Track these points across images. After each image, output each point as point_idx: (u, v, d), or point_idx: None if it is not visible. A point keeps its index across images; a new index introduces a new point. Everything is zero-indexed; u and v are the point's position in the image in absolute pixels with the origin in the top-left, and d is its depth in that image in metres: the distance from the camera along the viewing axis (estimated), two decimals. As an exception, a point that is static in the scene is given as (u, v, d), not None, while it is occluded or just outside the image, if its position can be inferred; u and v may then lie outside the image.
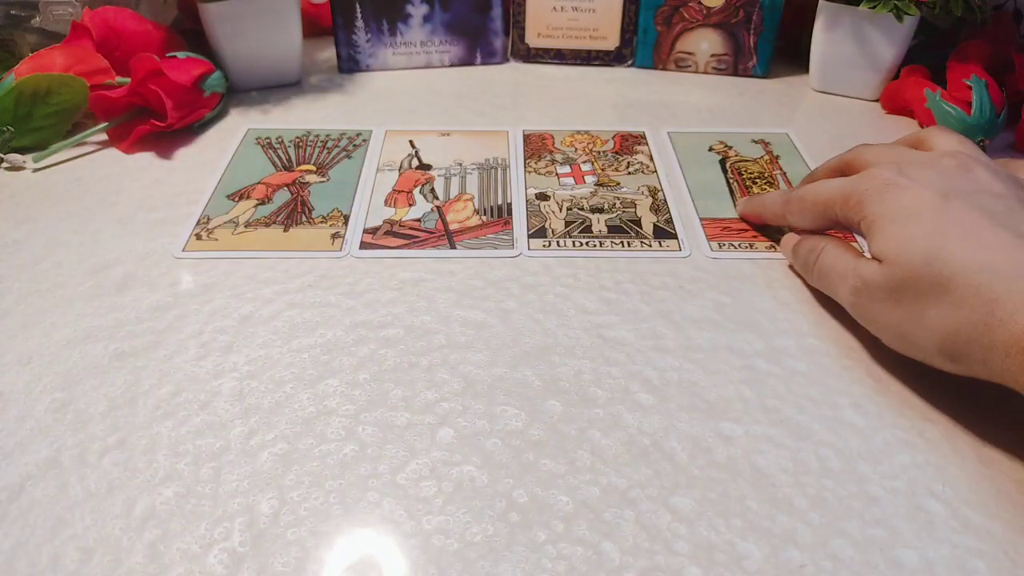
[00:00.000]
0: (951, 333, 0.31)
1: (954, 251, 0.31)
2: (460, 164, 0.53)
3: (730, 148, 0.55)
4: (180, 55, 0.56)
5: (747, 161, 0.54)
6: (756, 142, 0.56)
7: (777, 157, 0.54)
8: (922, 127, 0.58)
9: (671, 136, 0.57)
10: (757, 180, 0.52)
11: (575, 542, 0.28)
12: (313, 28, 0.71)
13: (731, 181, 0.52)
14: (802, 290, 0.42)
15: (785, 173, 0.53)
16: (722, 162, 0.54)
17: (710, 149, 0.55)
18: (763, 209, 0.45)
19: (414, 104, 0.62)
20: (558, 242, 0.45)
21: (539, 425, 0.33)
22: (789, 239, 0.43)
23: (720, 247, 0.45)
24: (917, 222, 0.33)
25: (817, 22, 0.62)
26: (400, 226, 0.47)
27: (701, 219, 0.48)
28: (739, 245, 0.45)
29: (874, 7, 0.58)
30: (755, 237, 0.46)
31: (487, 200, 0.49)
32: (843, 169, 0.41)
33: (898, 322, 0.33)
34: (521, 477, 0.31)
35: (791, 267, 0.43)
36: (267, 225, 0.46)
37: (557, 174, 0.52)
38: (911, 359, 0.35)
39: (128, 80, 0.54)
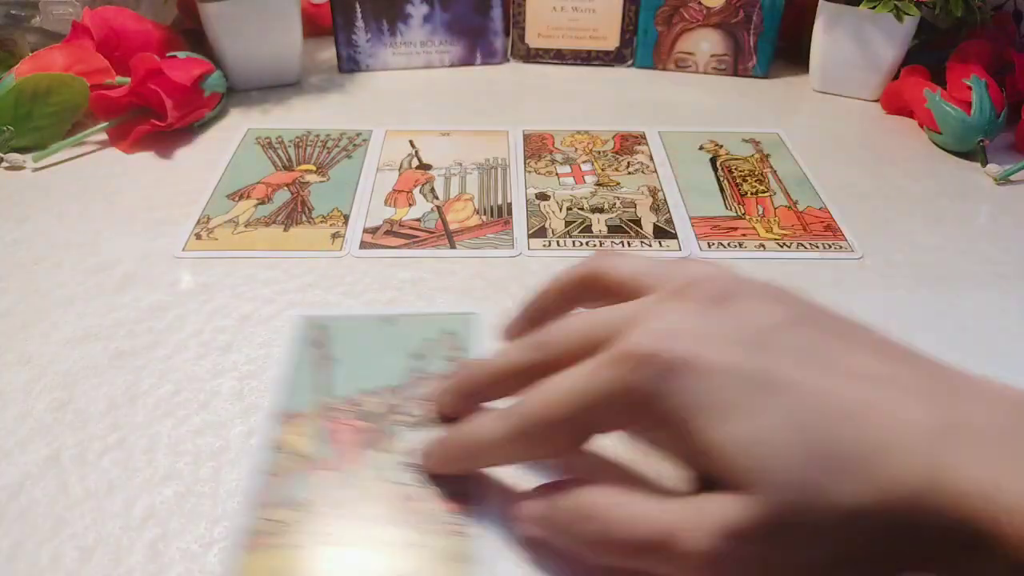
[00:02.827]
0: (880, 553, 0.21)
1: (833, 438, 0.21)
2: (460, 164, 0.53)
3: (721, 147, 0.55)
4: (180, 55, 0.57)
5: (738, 159, 0.54)
6: (747, 141, 0.56)
7: (767, 156, 0.54)
8: (922, 127, 0.58)
9: (662, 135, 0.57)
10: (748, 178, 0.52)
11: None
12: (313, 28, 0.71)
13: (722, 179, 0.52)
14: (802, 291, 0.42)
15: (776, 171, 0.53)
16: (712, 160, 0.54)
17: (700, 148, 0.55)
18: (474, 453, 0.28)
19: (414, 104, 0.62)
20: (558, 242, 0.45)
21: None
22: (529, 508, 0.27)
23: (710, 246, 0.45)
24: (750, 413, 0.22)
25: (817, 22, 0.62)
26: (400, 226, 0.47)
27: (691, 218, 0.48)
28: (728, 244, 0.45)
29: (874, 7, 0.58)
30: (744, 236, 0.46)
31: (487, 200, 0.49)
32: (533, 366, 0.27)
33: (804, 568, 0.22)
34: (521, 475, 0.31)
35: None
36: (267, 225, 0.46)
37: (557, 174, 0.52)
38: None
39: (128, 80, 0.54)
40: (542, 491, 0.26)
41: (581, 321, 0.26)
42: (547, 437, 0.25)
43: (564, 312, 0.30)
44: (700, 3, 0.65)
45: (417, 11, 0.66)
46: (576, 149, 0.55)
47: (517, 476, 0.30)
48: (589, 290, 0.29)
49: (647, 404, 0.23)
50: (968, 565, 0.21)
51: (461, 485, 0.30)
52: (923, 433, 0.21)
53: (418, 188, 0.50)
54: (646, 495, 0.24)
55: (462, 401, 0.31)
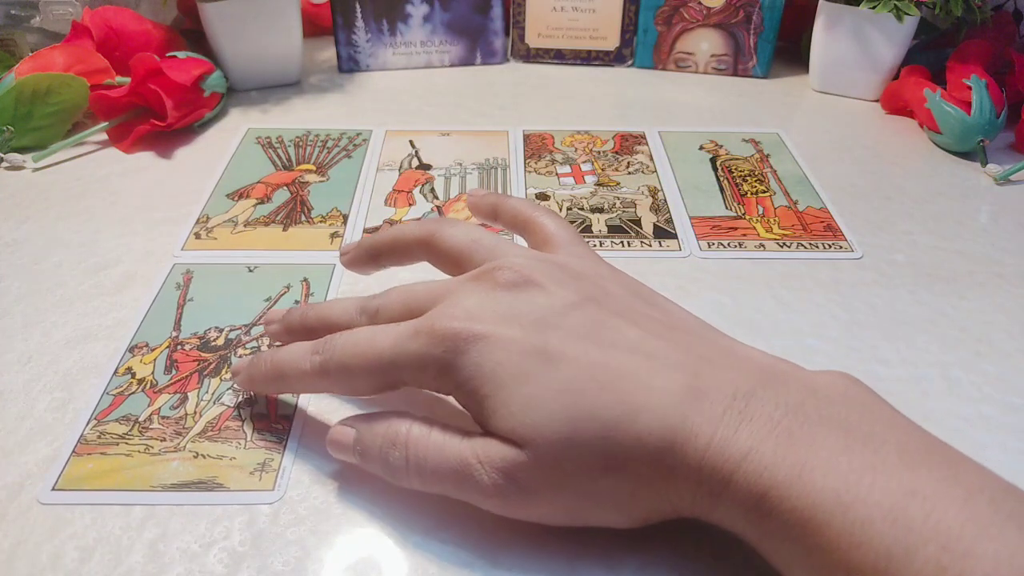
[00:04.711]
0: (632, 496, 0.26)
1: (594, 404, 0.25)
2: (460, 164, 0.53)
3: (721, 147, 0.55)
4: (180, 55, 0.56)
5: (737, 159, 0.54)
6: (747, 141, 0.56)
7: (768, 156, 0.54)
8: (922, 127, 0.58)
9: (662, 135, 0.57)
10: (748, 178, 0.52)
11: (575, 538, 0.28)
12: (313, 28, 0.71)
13: (721, 179, 0.52)
14: (802, 291, 0.42)
15: (776, 171, 0.53)
16: (712, 160, 0.54)
17: (700, 148, 0.55)
18: (279, 378, 0.31)
19: (414, 104, 0.62)
20: (558, 242, 0.45)
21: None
22: (340, 433, 0.29)
23: (710, 246, 0.45)
24: (529, 382, 0.26)
25: (817, 22, 0.62)
26: (400, 226, 0.47)
27: (691, 218, 0.48)
28: (728, 244, 0.45)
29: (874, 7, 0.58)
30: (744, 236, 0.46)
31: (487, 200, 0.49)
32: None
33: (567, 506, 0.26)
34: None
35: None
36: (266, 224, 0.46)
37: (557, 174, 0.52)
38: (914, 356, 0.35)
39: (128, 80, 0.54)
40: (354, 420, 0.29)
41: (402, 294, 0.30)
42: (347, 380, 0.29)
43: (398, 258, 0.34)
44: (700, 3, 0.65)
45: (417, 11, 0.66)
46: (576, 149, 0.55)
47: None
48: (423, 250, 0.33)
49: (444, 372, 0.27)
50: (718, 511, 0.24)
51: (282, 408, 0.33)
52: (671, 397, 0.25)
53: (418, 188, 0.50)
54: (445, 430, 0.27)
55: (288, 335, 0.33)
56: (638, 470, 0.25)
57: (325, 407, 0.34)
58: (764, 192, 0.50)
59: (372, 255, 0.35)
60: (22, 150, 0.53)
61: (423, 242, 0.33)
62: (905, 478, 0.22)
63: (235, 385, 0.34)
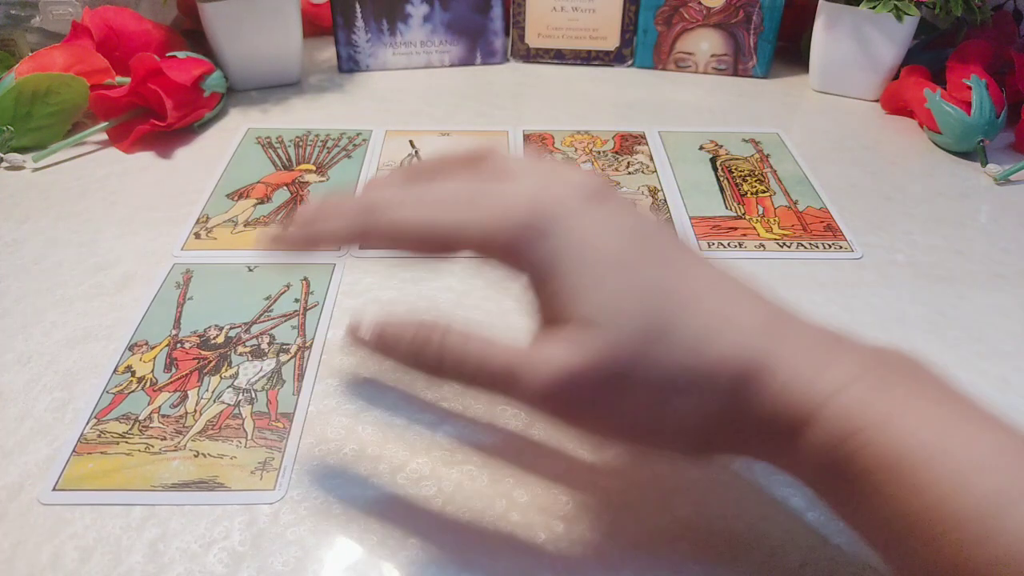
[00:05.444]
0: (701, 423, 0.24)
1: (680, 314, 0.23)
2: (460, 164, 0.53)
3: (721, 147, 0.55)
4: (180, 55, 0.56)
5: (737, 159, 0.54)
6: (747, 141, 0.56)
7: (768, 156, 0.54)
8: (922, 127, 0.58)
9: (662, 135, 0.57)
10: (748, 178, 0.52)
11: (575, 542, 0.28)
12: (313, 28, 0.71)
13: (721, 179, 0.52)
14: (802, 291, 0.42)
15: (776, 171, 0.53)
16: (712, 160, 0.54)
17: (700, 148, 0.55)
18: (327, 225, 0.27)
19: (414, 104, 0.62)
20: (558, 242, 0.45)
21: (539, 425, 0.33)
22: (358, 328, 0.26)
23: (710, 246, 0.45)
24: (619, 273, 0.24)
25: (817, 22, 0.62)
26: (400, 226, 0.47)
27: (691, 218, 0.48)
28: (728, 244, 0.45)
29: (874, 7, 0.58)
30: (744, 236, 0.46)
31: (487, 200, 0.49)
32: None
33: (630, 422, 0.24)
34: (522, 477, 0.31)
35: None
36: (266, 224, 0.46)
37: (557, 174, 0.52)
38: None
39: (128, 80, 0.54)
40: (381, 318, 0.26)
41: (462, 182, 0.26)
42: (426, 239, 0.25)
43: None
44: (700, 3, 0.65)
45: (417, 11, 0.66)
46: (576, 149, 0.55)
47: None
48: (475, 163, 0.27)
49: (531, 244, 0.24)
50: (789, 452, 0.23)
51: (282, 406, 0.34)
52: (749, 328, 0.23)
53: (418, 188, 0.50)
54: (491, 336, 0.24)
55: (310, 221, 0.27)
56: (713, 394, 0.23)
57: (326, 407, 0.34)
58: (764, 192, 0.50)
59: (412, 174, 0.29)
60: (22, 150, 0.53)
61: (478, 153, 0.28)
62: (1000, 434, 0.21)
63: (270, 247, 0.28)
